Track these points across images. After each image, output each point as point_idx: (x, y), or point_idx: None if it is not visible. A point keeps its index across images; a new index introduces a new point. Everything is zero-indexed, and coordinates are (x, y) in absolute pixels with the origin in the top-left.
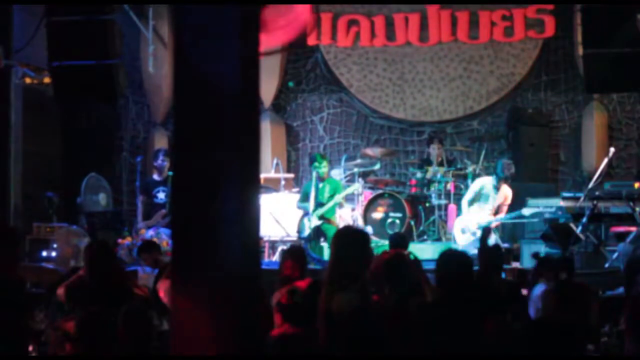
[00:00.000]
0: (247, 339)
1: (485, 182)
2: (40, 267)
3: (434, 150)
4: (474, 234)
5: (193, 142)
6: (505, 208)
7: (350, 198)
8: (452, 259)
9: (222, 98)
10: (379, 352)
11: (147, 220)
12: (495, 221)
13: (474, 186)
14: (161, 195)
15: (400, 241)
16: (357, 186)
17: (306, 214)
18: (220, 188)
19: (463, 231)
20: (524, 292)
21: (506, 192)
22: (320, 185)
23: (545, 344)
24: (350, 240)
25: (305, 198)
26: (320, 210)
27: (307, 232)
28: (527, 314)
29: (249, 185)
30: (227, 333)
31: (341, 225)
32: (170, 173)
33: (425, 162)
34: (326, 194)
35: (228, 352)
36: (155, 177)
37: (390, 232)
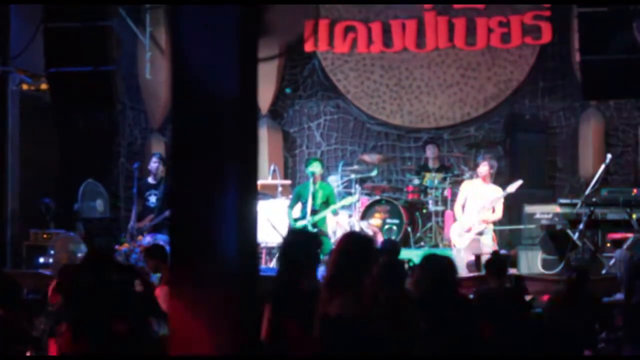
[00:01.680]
0: (244, 341)
1: (469, 184)
2: (37, 274)
3: (430, 150)
4: (468, 235)
5: (191, 148)
6: (498, 206)
7: (347, 206)
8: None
9: (220, 104)
10: (376, 357)
11: (138, 222)
12: (487, 207)
13: (461, 190)
14: (152, 199)
15: (392, 247)
16: (353, 199)
17: (297, 219)
18: (218, 194)
19: (460, 235)
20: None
21: (493, 189)
22: (314, 188)
23: (544, 348)
24: (353, 246)
25: (296, 201)
26: (315, 218)
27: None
28: (527, 320)
29: (246, 191)
30: (225, 336)
31: (338, 232)
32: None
33: (423, 168)
34: (319, 200)
35: (226, 354)
36: (150, 180)
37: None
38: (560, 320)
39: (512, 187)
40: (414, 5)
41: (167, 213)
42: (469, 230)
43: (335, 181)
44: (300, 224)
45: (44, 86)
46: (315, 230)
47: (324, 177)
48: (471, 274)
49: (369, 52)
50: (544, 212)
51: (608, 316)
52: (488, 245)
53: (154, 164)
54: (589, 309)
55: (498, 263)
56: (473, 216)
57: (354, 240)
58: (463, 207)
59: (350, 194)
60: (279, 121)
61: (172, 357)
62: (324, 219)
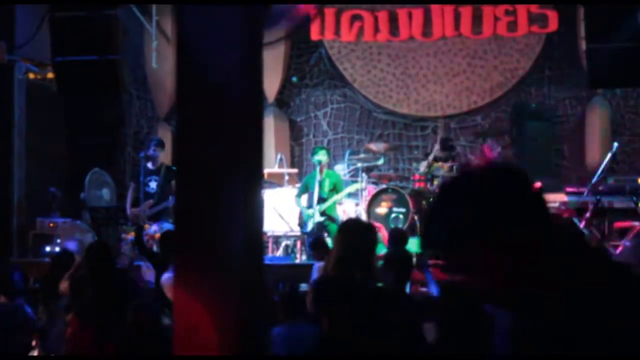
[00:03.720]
0: (249, 333)
1: None
2: (44, 263)
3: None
4: None
5: (196, 137)
6: None
7: (353, 193)
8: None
9: (225, 93)
10: (383, 344)
11: (134, 208)
12: None
13: None
14: (152, 185)
15: (398, 236)
16: (359, 185)
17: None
18: (223, 183)
19: None
20: None
21: None
22: (320, 177)
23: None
24: (356, 232)
25: (304, 190)
26: (323, 206)
27: (310, 226)
28: None
29: (252, 180)
30: (230, 327)
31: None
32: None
33: (428, 156)
34: (326, 188)
35: (231, 346)
36: (149, 165)
37: (393, 226)
38: None
39: None
40: None
41: (169, 201)
42: None
43: (341, 170)
44: (309, 212)
45: (50, 75)
46: (323, 218)
47: (330, 166)
48: None
49: (376, 41)
50: (550, 200)
51: None
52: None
53: (153, 151)
54: None
55: None
56: None
57: (354, 228)
58: None
59: (356, 182)
60: (285, 110)
61: (174, 357)
62: (333, 206)
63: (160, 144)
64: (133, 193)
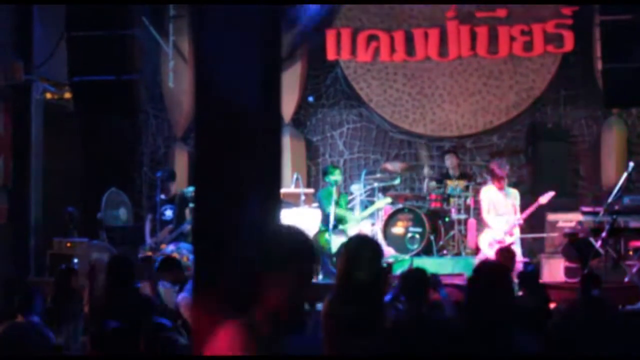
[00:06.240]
0: (268, 350)
1: (489, 190)
2: None
3: (449, 160)
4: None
5: (214, 157)
6: (517, 207)
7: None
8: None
9: (243, 114)
10: None
11: (153, 237)
12: (518, 221)
13: (482, 198)
14: (168, 213)
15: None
16: (384, 201)
17: (326, 229)
18: (241, 203)
19: (490, 244)
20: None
21: (512, 191)
22: (337, 197)
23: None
24: (361, 249)
25: (329, 203)
26: (347, 226)
27: (334, 247)
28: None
29: (269, 200)
30: (248, 345)
31: None
32: (188, 190)
33: (445, 177)
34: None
35: None
36: (162, 196)
37: (410, 246)
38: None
39: (544, 199)
40: (437, 14)
41: (183, 227)
42: (501, 242)
43: (358, 190)
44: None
45: (67, 95)
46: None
47: (346, 186)
48: None
49: (392, 61)
50: (566, 220)
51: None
52: (517, 254)
53: (172, 185)
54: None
55: (531, 276)
56: (502, 223)
57: (359, 244)
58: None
59: (373, 203)
60: (301, 130)
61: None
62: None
63: (173, 176)
64: (150, 224)
